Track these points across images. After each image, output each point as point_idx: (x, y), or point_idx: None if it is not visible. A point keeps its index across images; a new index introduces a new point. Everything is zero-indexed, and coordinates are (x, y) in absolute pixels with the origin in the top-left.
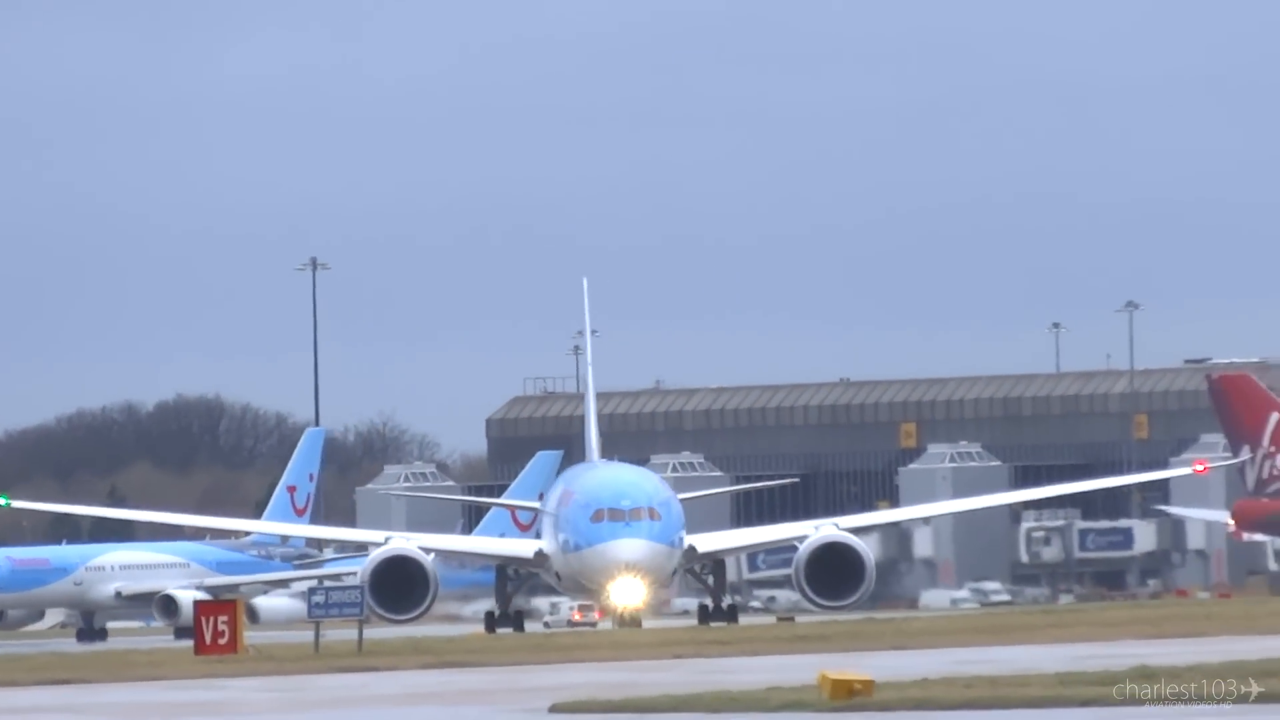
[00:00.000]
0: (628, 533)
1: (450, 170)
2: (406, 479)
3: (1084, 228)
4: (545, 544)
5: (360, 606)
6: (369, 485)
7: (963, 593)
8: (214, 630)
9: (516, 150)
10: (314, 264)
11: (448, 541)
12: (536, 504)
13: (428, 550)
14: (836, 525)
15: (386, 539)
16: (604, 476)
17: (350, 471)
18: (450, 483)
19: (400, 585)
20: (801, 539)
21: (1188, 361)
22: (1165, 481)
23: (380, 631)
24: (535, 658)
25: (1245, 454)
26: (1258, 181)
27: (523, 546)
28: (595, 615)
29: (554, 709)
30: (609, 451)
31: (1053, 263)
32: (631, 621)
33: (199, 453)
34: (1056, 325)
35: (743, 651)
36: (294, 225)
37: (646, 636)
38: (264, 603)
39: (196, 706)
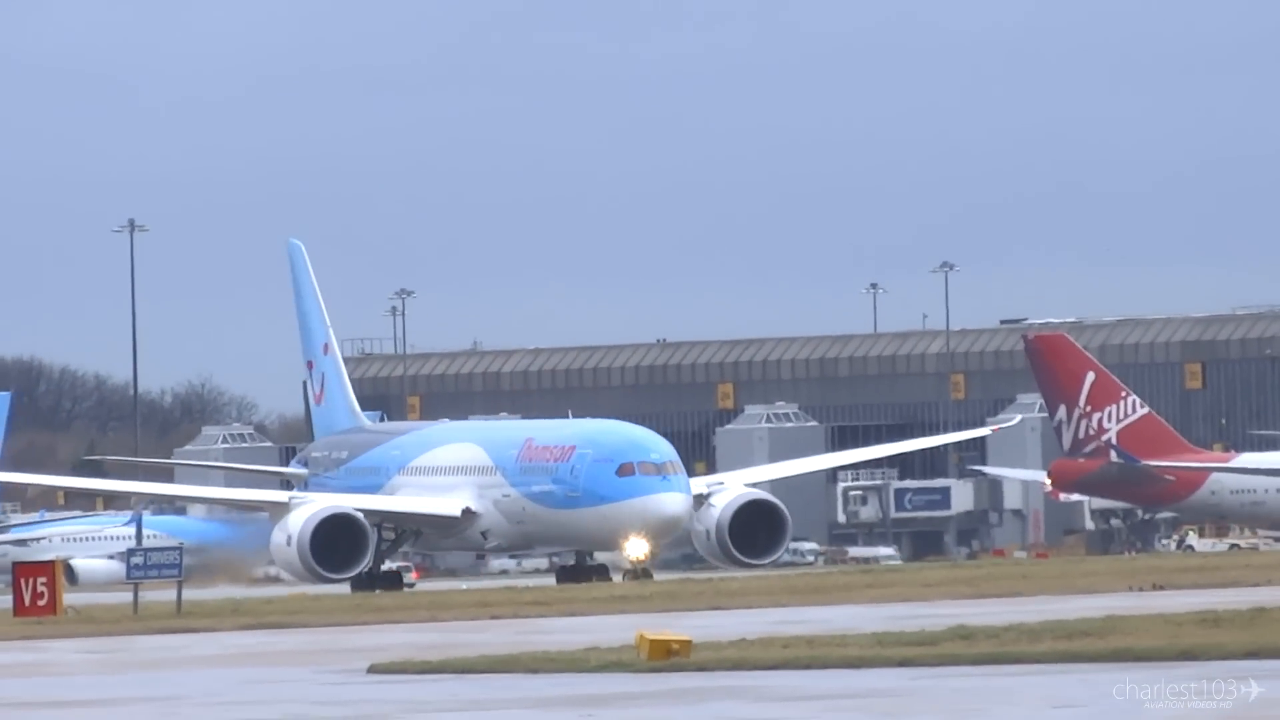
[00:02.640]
0: (666, 487)
1: (260, 132)
2: (224, 440)
3: (902, 189)
4: (471, 501)
5: (179, 568)
6: (187, 446)
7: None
8: (33, 591)
9: (330, 110)
10: (131, 226)
11: (371, 501)
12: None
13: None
14: (745, 484)
15: (291, 498)
16: (599, 429)
17: (169, 433)
18: (268, 444)
19: (336, 545)
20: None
21: (1003, 322)
22: (982, 441)
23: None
24: (354, 619)
25: (1061, 414)
26: (1072, 143)
27: (443, 505)
28: (413, 575)
29: (372, 669)
30: (429, 414)
31: (870, 223)
32: (642, 573)
33: (16, 415)
34: (874, 286)
35: (560, 612)
36: (111, 188)
37: (463, 598)
38: (82, 564)
39: (16, 668)
